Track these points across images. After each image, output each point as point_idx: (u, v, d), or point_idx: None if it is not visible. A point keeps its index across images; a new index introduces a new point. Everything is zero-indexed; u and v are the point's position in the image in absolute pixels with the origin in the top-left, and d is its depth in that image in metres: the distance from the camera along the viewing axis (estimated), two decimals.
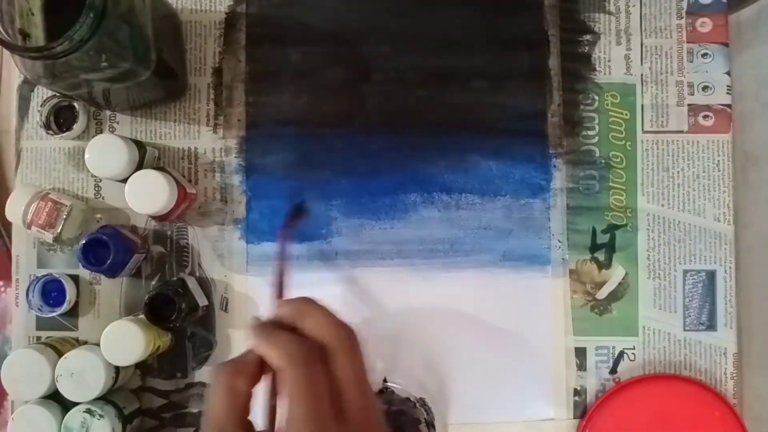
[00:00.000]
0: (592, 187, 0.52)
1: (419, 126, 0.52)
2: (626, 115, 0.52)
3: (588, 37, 0.52)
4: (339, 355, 0.31)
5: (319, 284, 0.51)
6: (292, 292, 0.36)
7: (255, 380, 0.31)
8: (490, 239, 0.51)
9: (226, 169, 0.51)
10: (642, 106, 0.52)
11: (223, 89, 0.52)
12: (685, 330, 0.51)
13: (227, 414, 0.30)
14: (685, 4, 0.52)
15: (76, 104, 0.50)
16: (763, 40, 0.53)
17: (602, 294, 0.51)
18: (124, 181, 0.46)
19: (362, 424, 0.30)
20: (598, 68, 0.52)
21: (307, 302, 0.33)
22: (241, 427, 0.30)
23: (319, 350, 0.30)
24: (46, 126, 0.50)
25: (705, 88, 0.52)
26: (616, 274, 0.51)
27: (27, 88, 0.51)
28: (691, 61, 0.52)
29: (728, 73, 0.52)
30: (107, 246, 0.46)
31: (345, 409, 0.30)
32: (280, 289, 0.38)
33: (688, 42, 0.52)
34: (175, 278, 0.50)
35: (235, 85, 0.52)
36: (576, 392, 0.51)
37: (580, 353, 0.51)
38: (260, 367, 0.31)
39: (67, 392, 0.45)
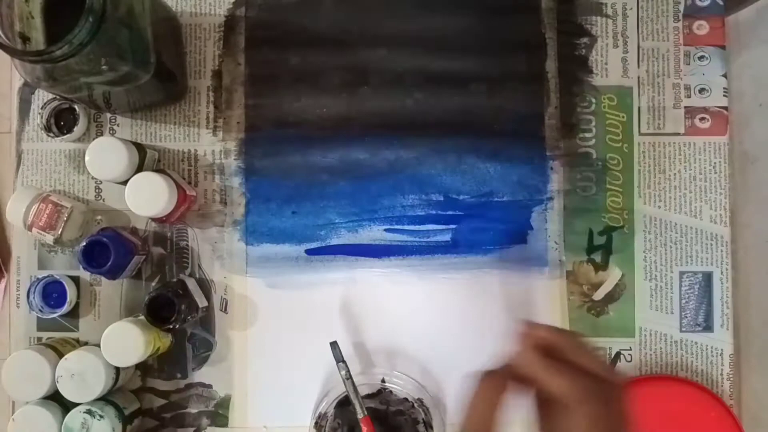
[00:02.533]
0: (589, 189, 0.52)
1: (417, 128, 0.52)
2: (623, 117, 0.52)
3: (585, 40, 0.53)
4: (616, 397, 0.31)
5: (318, 285, 0.51)
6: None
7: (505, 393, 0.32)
8: (488, 240, 0.51)
9: (225, 171, 0.52)
10: (639, 108, 0.52)
11: (222, 92, 0.52)
12: (681, 331, 0.51)
13: (489, 424, 0.31)
14: (682, 7, 0.53)
15: (76, 107, 0.50)
16: (761, 40, 0.53)
17: (599, 295, 0.51)
18: (125, 183, 0.47)
19: None
20: (595, 71, 0.52)
21: (578, 336, 0.33)
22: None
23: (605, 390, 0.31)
24: (47, 128, 0.51)
25: (702, 90, 0.52)
26: (612, 275, 0.52)
27: (27, 90, 0.52)
28: (688, 64, 0.52)
29: (725, 76, 0.52)
30: (108, 248, 0.46)
31: None
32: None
33: (685, 45, 0.53)
34: (175, 280, 0.51)
35: (235, 87, 0.52)
36: None
37: None
38: (510, 383, 0.32)
39: (68, 393, 0.45)
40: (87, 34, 0.37)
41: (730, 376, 0.51)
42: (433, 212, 0.52)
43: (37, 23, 0.42)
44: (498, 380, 0.32)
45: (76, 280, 0.51)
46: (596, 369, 0.31)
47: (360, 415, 0.46)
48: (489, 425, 0.31)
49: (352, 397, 0.47)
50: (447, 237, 0.52)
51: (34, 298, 0.49)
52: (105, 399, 0.47)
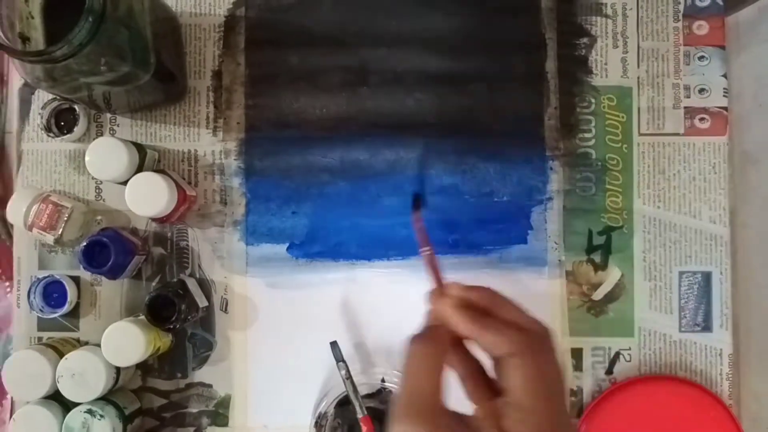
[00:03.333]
0: (589, 189, 0.52)
1: (417, 128, 0.52)
2: (623, 117, 0.52)
3: (585, 40, 0.53)
4: (544, 346, 0.31)
5: (319, 284, 0.51)
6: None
7: (446, 354, 0.31)
8: (487, 241, 0.52)
9: (225, 171, 0.52)
10: (638, 108, 0.52)
11: (222, 92, 0.52)
12: (680, 331, 0.51)
13: (438, 390, 0.30)
14: (681, 7, 0.53)
15: (76, 107, 0.50)
16: (761, 40, 0.53)
17: (598, 295, 0.52)
18: (125, 183, 0.47)
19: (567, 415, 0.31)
20: (594, 71, 0.52)
21: (498, 293, 0.33)
22: (442, 397, 0.30)
23: (537, 340, 0.31)
24: (47, 129, 0.51)
25: (701, 90, 0.52)
26: (612, 275, 0.52)
27: (27, 91, 0.52)
28: (688, 64, 0.52)
29: (725, 76, 0.52)
30: (108, 248, 0.46)
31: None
32: (437, 274, 0.37)
33: (684, 45, 0.53)
34: (175, 279, 0.51)
35: (235, 88, 0.52)
36: (572, 392, 0.51)
37: (577, 354, 0.51)
38: (449, 341, 0.32)
39: (68, 393, 0.45)
40: (87, 34, 0.37)
41: (730, 376, 0.51)
42: (433, 212, 0.52)
43: (37, 23, 0.42)
44: (434, 342, 0.31)
45: (76, 280, 0.51)
46: (522, 320, 0.31)
47: (360, 415, 0.46)
48: (433, 390, 0.29)
49: (352, 396, 0.47)
50: (447, 237, 0.52)
51: (34, 298, 0.49)
52: (105, 399, 0.47)
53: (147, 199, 0.46)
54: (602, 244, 0.52)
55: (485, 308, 0.32)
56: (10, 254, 0.51)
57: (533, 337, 0.30)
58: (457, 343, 0.33)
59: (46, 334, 0.51)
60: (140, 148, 0.49)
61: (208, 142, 0.52)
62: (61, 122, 0.51)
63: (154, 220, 0.50)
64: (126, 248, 0.48)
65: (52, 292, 0.50)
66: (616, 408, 0.50)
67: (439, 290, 0.34)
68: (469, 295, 0.33)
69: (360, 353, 0.51)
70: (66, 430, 0.45)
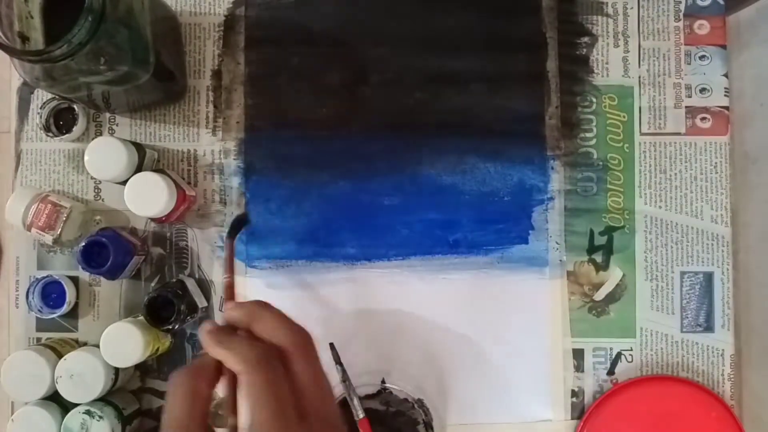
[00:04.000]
0: (590, 189, 0.52)
1: (417, 128, 0.52)
2: (624, 117, 0.52)
3: (586, 39, 0.52)
4: (296, 358, 0.31)
5: (319, 284, 0.51)
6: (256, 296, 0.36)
7: (215, 383, 0.31)
8: (488, 241, 0.51)
9: (225, 171, 0.52)
10: (640, 108, 0.52)
11: (222, 91, 0.52)
12: (682, 331, 0.51)
13: (190, 417, 0.30)
14: (683, 7, 0.53)
15: (75, 107, 0.50)
16: (762, 40, 0.53)
17: (600, 295, 0.51)
18: (124, 183, 0.46)
19: (324, 425, 0.30)
20: (595, 70, 0.52)
21: (260, 305, 0.33)
22: (204, 429, 0.30)
23: (276, 353, 0.30)
24: (46, 128, 0.50)
25: (703, 90, 0.52)
26: (613, 275, 0.51)
27: (26, 90, 0.51)
28: (689, 63, 0.52)
29: (726, 75, 0.52)
30: (107, 248, 0.46)
31: (306, 411, 0.30)
32: (230, 293, 0.38)
33: (685, 44, 0.52)
34: (174, 280, 0.51)
35: (234, 87, 0.52)
36: (573, 393, 0.51)
37: (578, 354, 0.51)
38: (218, 369, 0.31)
39: (67, 393, 0.45)
40: (86, 33, 0.37)
41: (731, 376, 0.51)
42: (433, 213, 0.52)
43: (36, 23, 0.42)
44: (191, 374, 0.31)
45: (75, 280, 0.50)
46: (267, 333, 0.31)
47: (358, 417, 0.46)
48: (187, 420, 0.29)
49: (350, 398, 0.46)
50: (447, 237, 0.51)
51: (33, 298, 0.49)
52: (104, 399, 0.47)
53: (146, 199, 0.46)
54: (603, 244, 0.51)
55: (246, 326, 0.32)
56: None
57: (271, 351, 0.30)
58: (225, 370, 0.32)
59: (44, 335, 0.51)
60: (139, 148, 0.48)
61: (207, 141, 0.52)
62: (60, 122, 0.51)
63: (153, 220, 0.50)
64: (125, 248, 0.47)
65: (50, 293, 0.50)
66: (617, 409, 0.49)
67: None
68: (232, 314, 0.33)
69: (360, 354, 0.51)
70: (65, 431, 0.45)
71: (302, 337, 0.32)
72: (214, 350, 0.31)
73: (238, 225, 0.46)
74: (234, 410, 0.31)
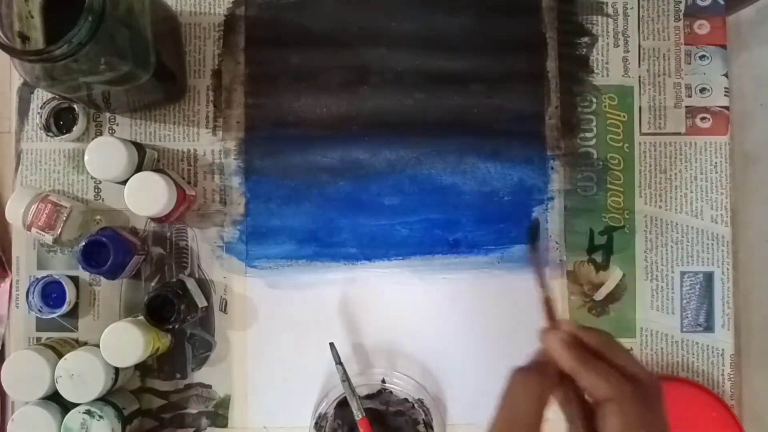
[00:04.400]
0: (590, 188, 0.52)
1: (417, 128, 0.52)
2: (624, 117, 0.52)
3: (586, 39, 0.52)
4: (651, 399, 0.31)
5: (319, 284, 0.51)
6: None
7: (555, 391, 0.32)
8: (488, 241, 0.51)
9: (225, 170, 0.52)
10: (640, 108, 0.52)
11: (222, 91, 0.52)
12: (682, 331, 0.51)
13: (538, 422, 0.30)
14: (683, 6, 0.53)
15: (75, 106, 0.50)
16: (762, 40, 0.53)
17: (600, 295, 0.51)
18: (124, 183, 0.46)
19: None
20: (595, 70, 0.52)
21: (613, 338, 0.33)
22: (540, 428, 0.30)
23: (640, 390, 0.30)
24: (46, 128, 0.50)
25: (703, 90, 0.52)
26: (613, 275, 0.51)
27: (27, 90, 0.51)
28: (689, 63, 0.52)
29: (726, 75, 0.52)
30: (107, 248, 0.46)
31: None
32: (551, 312, 0.37)
33: (685, 44, 0.52)
34: (174, 280, 0.51)
35: (235, 87, 0.52)
36: None
37: None
38: (560, 378, 0.31)
39: (67, 393, 0.45)
40: (86, 33, 0.37)
41: (731, 376, 0.51)
42: (434, 212, 0.52)
43: (37, 23, 0.42)
44: (538, 374, 0.31)
45: (75, 280, 0.50)
46: (630, 368, 0.31)
47: (358, 417, 0.46)
48: (531, 419, 0.30)
49: (350, 398, 0.46)
50: (447, 237, 0.51)
51: (33, 298, 0.49)
52: (104, 399, 0.47)
53: (146, 198, 0.46)
54: (603, 244, 0.51)
55: (596, 350, 0.32)
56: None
57: (636, 385, 0.30)
58: (568, 383, 0.32)
59: (44, 335, 0.51)
60: (139, 148, 0.48)
61: (207, 141, 0.52)
62: (60, 121, 0.51)
63: (153, 219, 0.50)
64: (125, 248, 0.47)
65: (50, 292, 0.50)
66: None
67: (551, 326, 0.34)
68: (581, 334, 0.33)
69: (360, 353, 0.51)
70: (65, 431, 0.45)
71: (656, 378, 0.32)
72: (574, 364, 0.31)
73: (536, 232, 0.46)
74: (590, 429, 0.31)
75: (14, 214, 0.47)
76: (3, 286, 0.52)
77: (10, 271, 0.51)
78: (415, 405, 0.49)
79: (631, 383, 0.30)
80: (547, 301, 0.37)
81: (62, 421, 0.45)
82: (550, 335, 0.33)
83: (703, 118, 0.52)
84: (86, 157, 0.46)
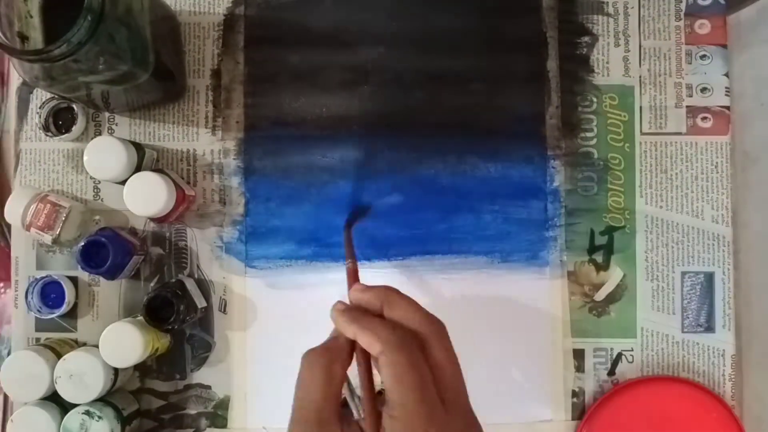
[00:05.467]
0: (591, 188, 0.52)
1: (417, 128, 0.52)
2: (625, 116, 0.52)
3: (586, 38, 0.52)
4: (434, 344, 0.31)
5: (319, 284, 0.51)
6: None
7: (348, 364, 0.31)
8: (489, 241, 0.51)
9: (224, 170, 0.51)
10: (640, 107, 0.52)
11: (221, 91, 0.52)
12: (683, 332, 0.51)
13: (325, 399, 0.30)
14: (683, 6, 0.52)
15: (74, 106, 0.50)
16: (762, 40, 0.52)
17: (600, 296, 0.51)
18: (123, 182, 0.46)
19: (461, 409, 0.30)
20: (596, 70, 0.52)
21: (392, 290, 0.33)
22: (338, 412, 0.30)
23: (414, 338, 0.30)
24: (45, 128, 0.50)
25: (703, 89, 0.52)
26: (614, 275, 0.51)
27: (26, 90, 0.51)
28: (690, 63, 0.52)
29: (727, 75, 0.52)
30: (106, 248, 0.46)
31: (444, 398, 0.30)
32: (355, 277, 0.38)
33: (686, 44, 0.52)
34: (173, 280, 0.50)
35: (234, 86, 0.52)
36: (574, 394, 0.51)
37: (578, 355, 0.51)
38: (352, 350, 0.31)
39: (66, 394, 0.45)
40: (85, 33, 0.37)
41: (732, 377, 0.51)
42: (434, 212, 0.51)
43: (36, 22, 0.42)
44: (326, 352, 0.31)
45: (74, 280, 0.50)
46: (407, 318, 0.31)
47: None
48: (322, 399, 0.29)
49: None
50: (447, 237, 0.51)
51: (32, 298, 0.49)
52: (103, 400, 0.47)
53: (145, 198, 0.46)
54: (604, 244, 0.51)
55: (376, 309, 0.32)
56: (4, 254, 0.51)
57: (409, 335, 0.30)
58: (362, 355, 0.32)
59: (43, 335, 0.51)
60: (139, 148, 0.48)
61: (207, 141, 0.52)
62: (59, 121, 0.51)
63: (152, 219, 0.50)
64: (124, 248, 0.47)
65: (50, 293, 0.49)
66: (618, 409, 0.49)
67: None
68: (362, 296, 0.33)
69: None
70: (64, 431, 0.45)
71: (439, 325, 0.32)
72: (350, 328, 0.31)
73: (357, 214, 0.47)
74: (371, 393, 0.30)
75: (13, 214, 0.47)
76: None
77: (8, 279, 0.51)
78: None
79: (401, 332, 0.30)
80: (349, 272, 0.38)
81: (61, 421, 0.45)
82: (332, 307, 0.32)
83: (703, 118, 0.52)
84: (85, 157, 0.46)
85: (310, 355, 0.31)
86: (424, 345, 0.31)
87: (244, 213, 0.51)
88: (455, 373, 0.31)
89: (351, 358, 0.32)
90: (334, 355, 0.31)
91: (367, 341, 0.30)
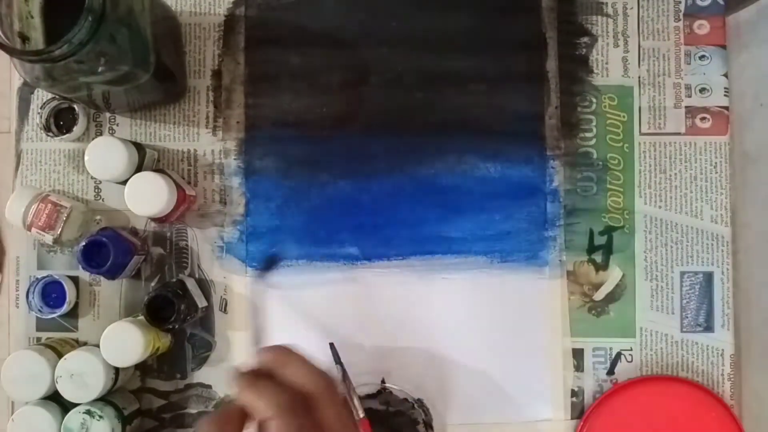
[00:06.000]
0: (590, 188, 0.52)
1: (417, 128, 0.52)
2: (624, 117, 0.52)
3: (585, 39, 0.52)
4: (322, 402, 0.31)
5: (319, 285, 0.51)
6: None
7: (241, 429, 0.31)
8: (488, 241, 0.51)
9: (225, 170, 0.52)
10: (639, 108, 0.52)
11: (222, 91, 0.52)
12: (682, 331, 0.51)
13: None
14: (682, 7, 0.53)
15: (75, 106, 0.50)
16: (762, 40, 0.52)
17: (599, 295, 0.51)
18: (124, 183, 0.46)
19: None
20: (595, 70, 0.52)
21: (286, 351, 0.33)
22: None
23: (303, 398, 0.31)
24: (46, 128, 0.50)
25: (702, 90, 0.52)
26: (613, 275, 0.51)
27: (27, 90, 0.51)
28: (689, 63, 0.52)
29: (726, 75, 0.52)
30: (107, 248, 0.46)
31: None
32: (257, 337, 0.38)
33: (685, 44, 0.52)
34: (174, 280, 0.51)
35: (234, 87, 0.52)
36: (573, 393, 0.51)
37: (578, 354, 0.51)
38: (244, 416, 0.31)
39: (67, 393, 0.45)
40: (86, 33, 0.37)
41: (731, 376, 0.51)
42: (433, 212, 0.52)
43: (37, 23, 0.42)
44: (218, 421, 0.31)
45: (75, 280, 0.50)
46: (297, 378, 0.31)
47: (358, 417, 0.46)
48: None
49: (349, 398, 0.46)
50: (447, 237, 0.51)
51: (33, 298, 0.49)
52: (104, 399, 0.47)
53: (146, 198, 0.46)
54: (603, 244, 0.51)
55: (270, 370, 0.32)
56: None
57: (299, 396, 0.30)
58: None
59: (44, 335, 0.51)
60: (139, 148, 0.48)
61: (207, 141, 0.52)
62: (60, 121, 0.51)
63: (153, 219, 0.50)
64: (125, 248, 0.47)
65: (50, 292, 0.50)
66: (617, 409, 0.49)
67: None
68: (259, 359, 0.33)
69: (360, 354, 0.51)
70: (65, 431, 0.45)
71: (326, 381, 0.32)
72: (243, 394, 0.31)
73: (268, 266, 0.49)
74: None
75: (14, 214, 0.48)
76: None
77: (1, 272, 0.51)
78: (415, 405, 0.49)
79: (290, 395, 0.30)
80: (256, 323, 0.38)
81: (62, 421, 0.45)
82: (231, 372, 0.33)
83: (702, 119, 0.52)
84: (86, 157, 0.46)
85: (202, 424, 0.31)
86: (314, 404, 0.31)
87: (245, 213, 0.51)
88: (345, 427, 0.31)
89: (244, 423, 0.31)
90: (226, 421, 0.31)
91: (257, 406, 0.30)
